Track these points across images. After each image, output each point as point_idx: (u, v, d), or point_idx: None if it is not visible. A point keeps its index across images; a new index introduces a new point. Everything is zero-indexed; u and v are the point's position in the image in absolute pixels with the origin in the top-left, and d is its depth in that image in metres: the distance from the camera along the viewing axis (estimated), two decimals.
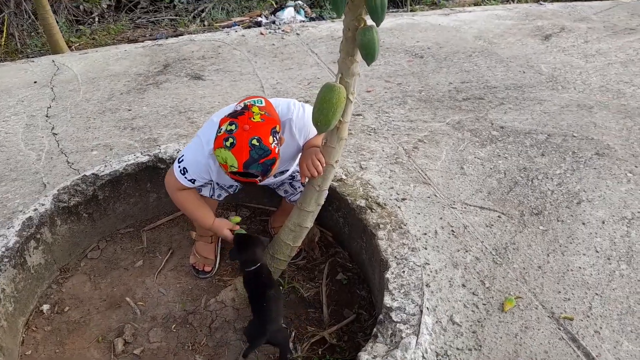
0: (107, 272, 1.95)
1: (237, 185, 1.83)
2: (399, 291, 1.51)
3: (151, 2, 7.36)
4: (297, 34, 4.15)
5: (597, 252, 1.88)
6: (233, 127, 1.39)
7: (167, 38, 4.29)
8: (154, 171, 2.09)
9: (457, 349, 1.52)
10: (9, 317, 1.59)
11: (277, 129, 1.46)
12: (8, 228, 1.73)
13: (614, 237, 1.95)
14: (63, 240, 1.91)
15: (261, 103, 1.52)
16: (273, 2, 6.19)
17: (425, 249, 1.88)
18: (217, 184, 1.77)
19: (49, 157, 2.44)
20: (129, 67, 3.49)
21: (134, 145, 2.53)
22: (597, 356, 1.50)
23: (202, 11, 7.33)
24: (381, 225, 1.75)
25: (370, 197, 1.89)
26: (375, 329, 1.42)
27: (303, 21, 4.54)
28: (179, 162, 1.63)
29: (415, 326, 1.41)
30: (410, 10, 5.11)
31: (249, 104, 1.51)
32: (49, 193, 1.90)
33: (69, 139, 2.60)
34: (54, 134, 2.65)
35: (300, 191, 1.87)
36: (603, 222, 2.03)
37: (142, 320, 1.75)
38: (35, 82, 3.25)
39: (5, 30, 5.85)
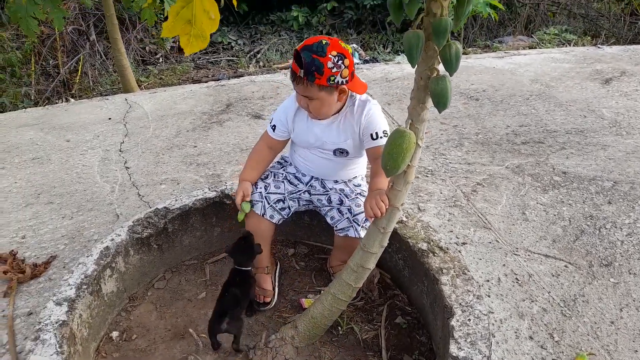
0: (172, 303, 2.02)
1: (287, 205, 1.98)
2: (465, 340, 1.48)
3: (210, 44, 7.84)
4: None
5: None
6: (326, 37, 1.64)
7: (229, 79, 4.53)
8: (220, 206, 2.18)
9: None
10: (83, 342, 1.67)
11: (346, 62, 1.63)
12: (87, 256, 1.85)
13: None
14: (134, 269, 2.01)
15: (351, 50, 1.72)
16: None
17: (489, 296, 1.84)
18: (267, 200, 1.93)
19: (121, 189, 2.60)
20: (194, 106, 3.69)
21: (199, 181, 2.66)
22: None
23: (258, 52, 7.70)
24: (444, 270, 1.74)
25: (432, 240, 1.89)
26: None
27: (357, 63, 4.67)
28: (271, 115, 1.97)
29: None
30: (463, 53, 5.15)
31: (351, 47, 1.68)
32: (125, 224, 2.01)
33: (140, 172, 2.76)
34: (127, 168, 2.82)
35: (347, 218, 1.90)
36: None
37: (204, 352, 1.80)
38: (109, 118, 3.49)
39: (80, 69, 6.36)
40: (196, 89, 4.07)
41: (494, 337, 1.65)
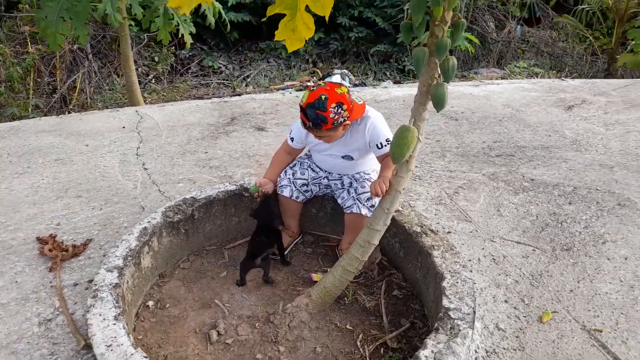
0: (197, 280, 2.30)
1: (310, 189, 2.39)
2: (455, 296, 1.82)
3: (200, 68, 8.25)
4: None
5: (621, 281, 2.17)
6: (323, 84, 1.99)
7: (231, 97, 4.88)
8: (239, 198, 2.50)
9: (504, 348, 1.80)
10: (128, 304, 1.94)
11: (344, 107, 1.97)
12: (129, 234, 2.13)
13: (636, 271, 2.23)
14: (165, 250, 2.29)
15: (357, 99, 2.10)
16: (318, 71, 6.85)
17: (471, 271, 2.19)
18: (294, 185, 2.35)
19: (143, 186, 2.89)
20: (202, 119, 4.02)
21: (213, 181, 2.97)
22: (624, 359, 1.76)
23: (248, 77, 8.11)
24: (435, 247, 2.09)
25: (424, 225, 2.24)
26: (436, 324, 1.72)
27: (348, 87, 5.11)
28: (291, 128, 2.33)
29: (470, 322, 1.71)
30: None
31: (345, 85, 2.05)
32: (159, 210, 2.30)
33: (158, 173, 3.06)
34: (145, 169, 3.11)
35: (352, 196, 2.28)
36: (626, 259, 2.32)
37: (231, 318, 2.08)
38: (123, 127, 3.78)
39: (78, 86, 6.63)
40: (201, 104, 4.41)
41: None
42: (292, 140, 2.32)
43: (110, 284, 1.86)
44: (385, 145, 2.16)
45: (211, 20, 4.37)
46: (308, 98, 1.95)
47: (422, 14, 1.65)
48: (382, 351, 1.94)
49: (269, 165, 2.44)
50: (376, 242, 2.03)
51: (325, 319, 2.08)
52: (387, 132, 2.17)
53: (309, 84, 5.37)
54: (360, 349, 1.94)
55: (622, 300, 2.04)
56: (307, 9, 1.37)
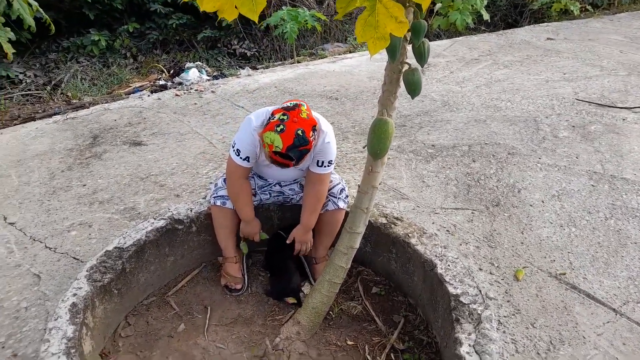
0: (152, 345, 1.87)
1: (259, 197, 2.16)
2: (455, 280, 1.81)
3: None
4: (213, 92, 4.29)
5: (551, 223, 2.44)
6: (285, 117, 1.71)
7: (76, 110, 4.05)
8: (172, 234, 2.08)
9: (504, 316, 1.87)
10: None
11: (316, 127, 1.78)
12: (56, 319, 1.59)
13: (556, 210, 2.53)
14: (100, 322, 1.79)
15: (304, 107, 1.80)
16: (163, 68, 6.14)
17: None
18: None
19: (21, 247, 2.21)
20: (53, 144, 3.25)
21: (114, 218, 2.43)
22: (594, 293, 1.98)
23: (60, 83, 6.88)
24: (409, 235, 2.05)
25: (386, 214, 2.17)
26: (454, 314, 1.69)
27: (208, 79, 4.69)
28: (232, 147, 1.88)
29: (483, 303, 1.72)
30: (297, 62, 5.60)
31: (298, 103, 1.78)
32: (80, 275, 1.77)
33: (33, 225, 2.37)
34: (11, 224, 2.38)
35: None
36: (542, 202, 2.62)
37: None
38: None
39: None
40: (42, 125, 3.56)
41: None
42: (248, 160, 1.90)
43: None
44: (327, 166, 1.96)
45: (30, 22, 3.51)
46: (284, 141, 1.68)
47: None
48: (392, 356, 1.85)
49: (234, 204, 2.03)
50: (358, 245, 1.89)
51: (322, 342, 1.89)
52: (335, 152, 1.97)
53: (161, 82, 4.78)
54: None
55: (562, 241, 2.30)
56: None
